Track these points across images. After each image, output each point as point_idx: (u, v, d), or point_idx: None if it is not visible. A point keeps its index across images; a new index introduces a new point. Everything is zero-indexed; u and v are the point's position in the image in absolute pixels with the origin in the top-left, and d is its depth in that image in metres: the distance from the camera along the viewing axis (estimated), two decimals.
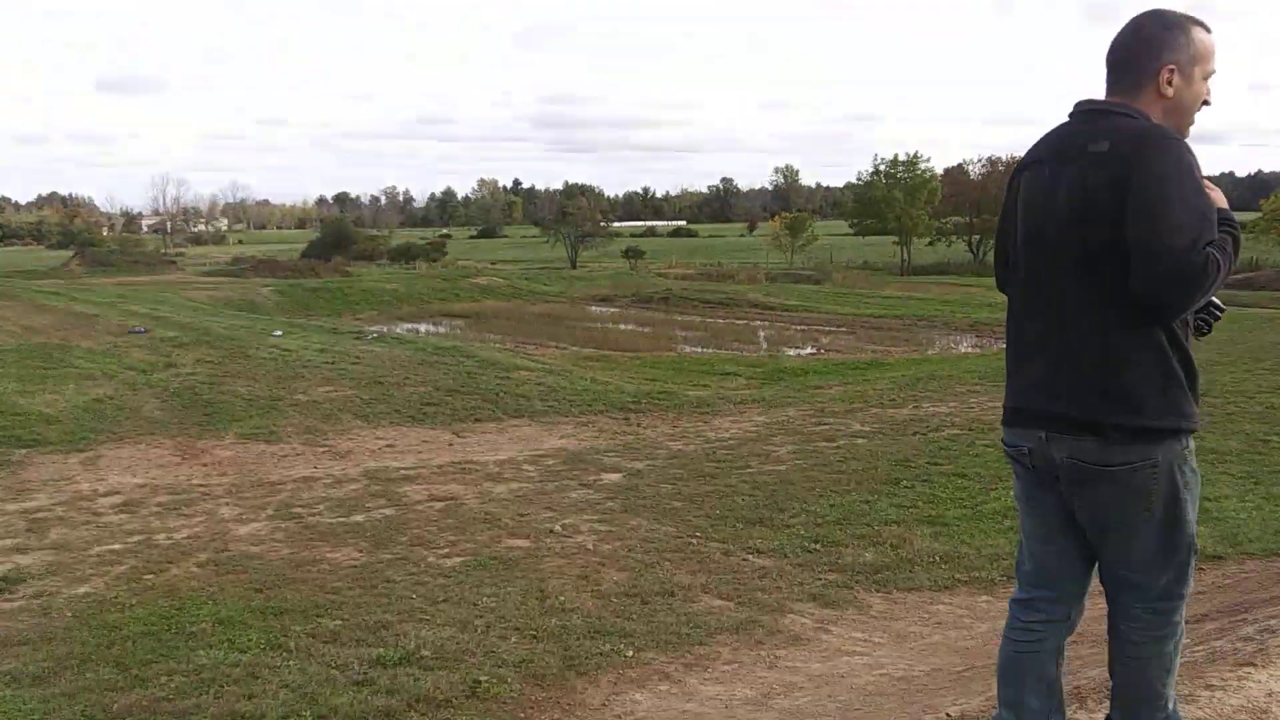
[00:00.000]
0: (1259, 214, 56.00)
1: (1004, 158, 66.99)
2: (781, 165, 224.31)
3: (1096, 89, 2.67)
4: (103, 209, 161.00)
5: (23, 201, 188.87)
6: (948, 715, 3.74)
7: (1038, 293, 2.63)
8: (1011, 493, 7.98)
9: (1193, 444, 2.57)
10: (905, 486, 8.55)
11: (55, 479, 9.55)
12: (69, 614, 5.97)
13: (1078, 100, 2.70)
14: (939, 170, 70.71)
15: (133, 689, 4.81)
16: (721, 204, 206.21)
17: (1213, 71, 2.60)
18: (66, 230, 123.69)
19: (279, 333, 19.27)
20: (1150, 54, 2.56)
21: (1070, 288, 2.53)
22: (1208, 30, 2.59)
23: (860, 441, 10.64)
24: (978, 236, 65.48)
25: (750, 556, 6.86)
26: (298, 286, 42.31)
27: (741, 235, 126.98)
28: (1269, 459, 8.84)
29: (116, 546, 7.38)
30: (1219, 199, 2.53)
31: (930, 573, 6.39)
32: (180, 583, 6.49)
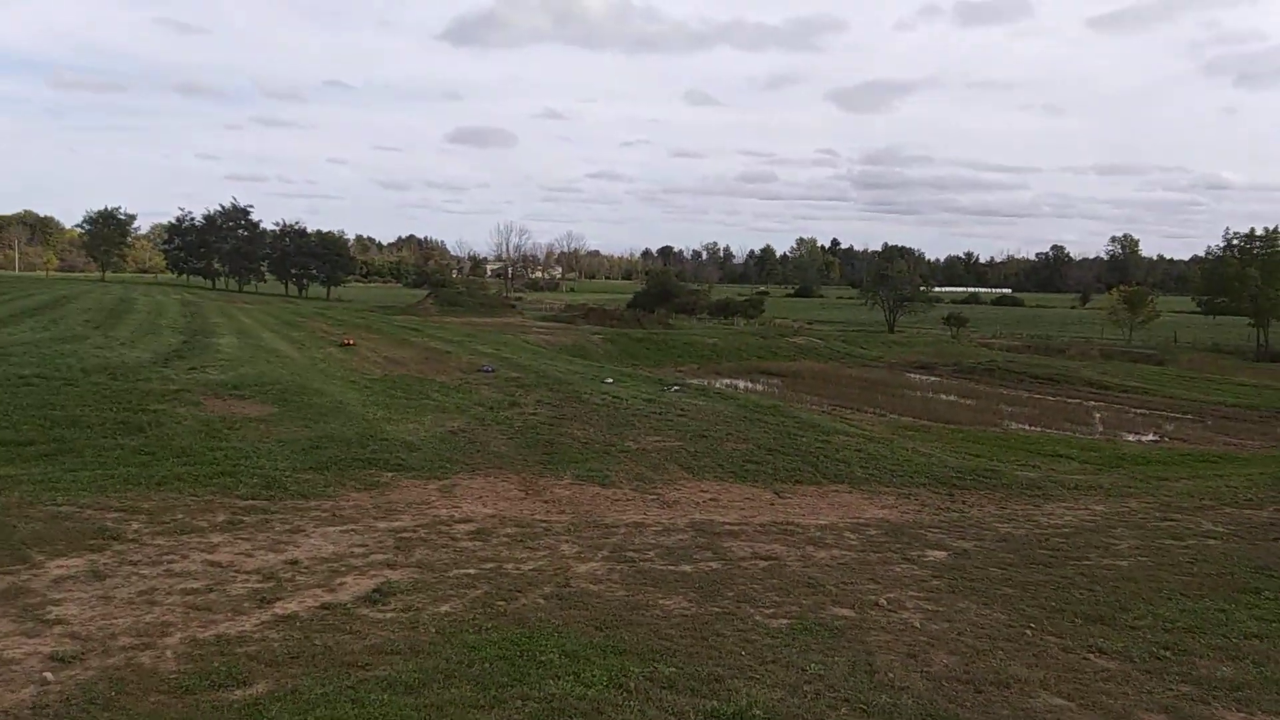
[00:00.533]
0: None
1: None
2: (1119, 234, 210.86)
3: None
4: (453, 252, 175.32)
5: (385, 242, 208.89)
6: None
7: None
8: None
9: None
10: (1267, 597, 7.85)
11: (417, 502, 10.52)
12: (433, 630, 6.57)
13: None
14: None
15: (491, 709, 5.24)
16: (1050, 273, 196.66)
17: None
18: (421, 270, 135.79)
19: (610, 380, 20.27)
20: None
21: None
22: None
23: (1213, 543, 9.86)
24: None
25: (1092, 656, 6.53)
26: (624, 336, 44.22)
27: (1073, 307, 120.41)
28: None
29: (472, 571, 8.03)
30: None
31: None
32: (529, 612, 6.99)
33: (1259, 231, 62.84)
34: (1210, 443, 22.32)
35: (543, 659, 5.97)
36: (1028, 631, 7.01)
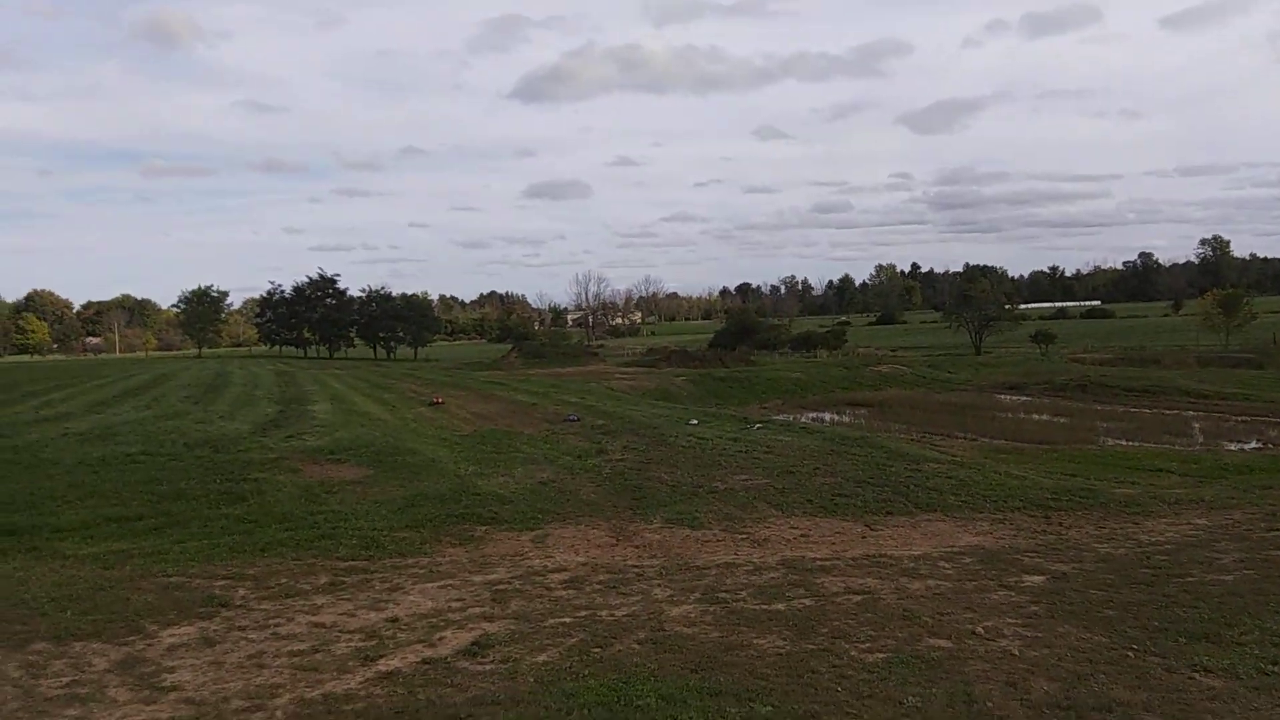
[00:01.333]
0: None
1: None
2: (1208, 236, 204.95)
3: None
4: (533, 305, 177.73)
5: (467, 300, 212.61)
6: None
7: None
8: None
9: None
10: None
11: (511, 554, 10.70)
12: (532, 679, 6.69)
13: None
14: None
15: None
16: (1140, 281, 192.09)
17: None
18: (504, 325, 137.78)
19: (695, 422, 20.34)
20: None
21: None
22: None
23: None
24: None
25: (1197, 675, 6.40)
26: (707, 376, 44.30)
27: (1165, 315, 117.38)
28: None
29: (567, 619, 8.16)
30: None
31: None
32: (624, 658, 7.08)
33: None
34: None
35: (639, 703, 6.05)
36: (1130, 653, 6.90)
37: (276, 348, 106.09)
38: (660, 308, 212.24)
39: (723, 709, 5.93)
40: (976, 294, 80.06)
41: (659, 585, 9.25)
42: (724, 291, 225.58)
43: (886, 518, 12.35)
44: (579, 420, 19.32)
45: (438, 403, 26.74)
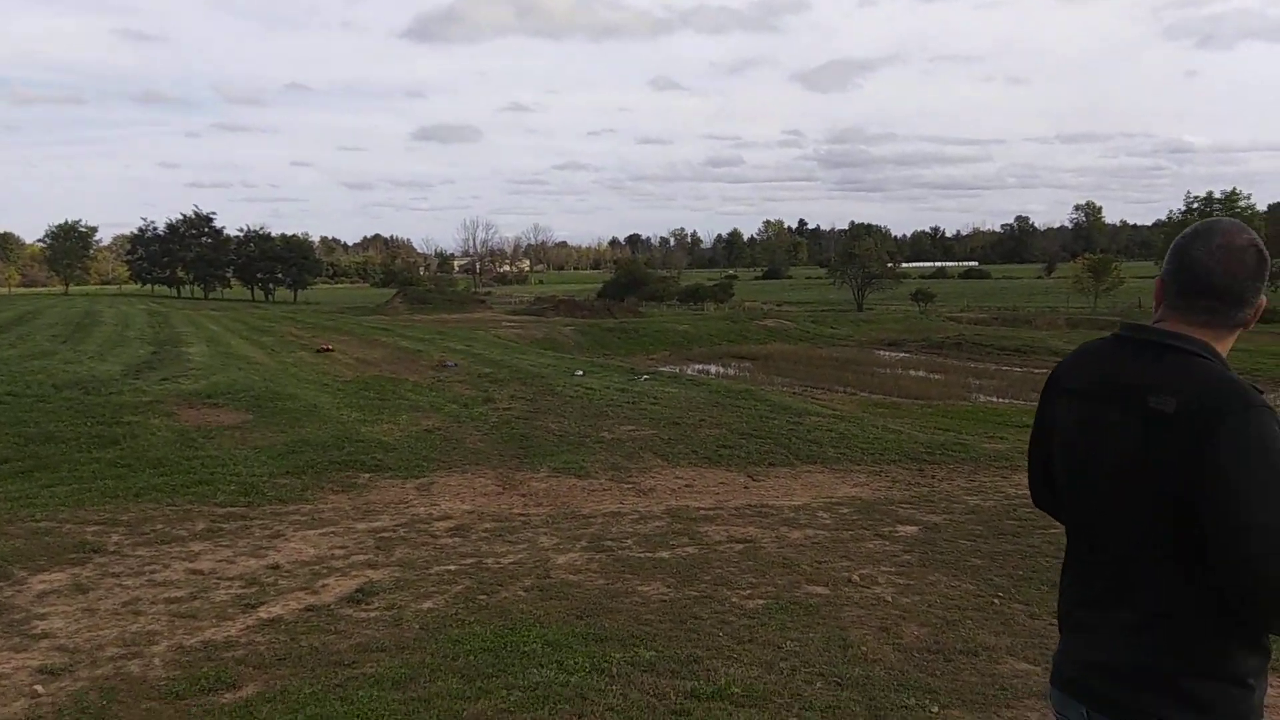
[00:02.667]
0: None
1: None
2: (1082, 202, 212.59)
3: None
4: (419, 250, 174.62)
5: (350, 243, 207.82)
6: None
7: (1090, 546, 2.31)
8: None
9: None
10: None
11: (395, 502, 10.62)
12: (417, 626, 6.70)
13: (1126, 321, 2.37)
14: (1261, 208, 65.35)
15: (478, 699, 5.38)
16: (1016, 244, 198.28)
17: None
18: (389, 270, 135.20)
19: (580, 372, 20.34)
20: (1253, 288, 2.23)
21: (1123, 557, 2.22)
22: None
23: None
24: None
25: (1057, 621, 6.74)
26: (595, 326, 44.37)
27: (1039, 277, 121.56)
28: None
29: (452, 567, 8.16)
30: None
31: None
32: (510, 605, 7.13)
33: (1216, 195, 63.92)
34: None
35: (526, 649, 6.11)
36: (995, 600, 7.23)
37: (148, 287, 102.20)
38: (549, 257, 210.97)
39: (607, 654, 6.03)
40: (861, 252, 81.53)
41: (545, 534, 9.31)
42: (614, 242, 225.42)
43: (769, 469, 12.61)
44: (456, 367, 18.93)
45: (325, 349, 25.90)
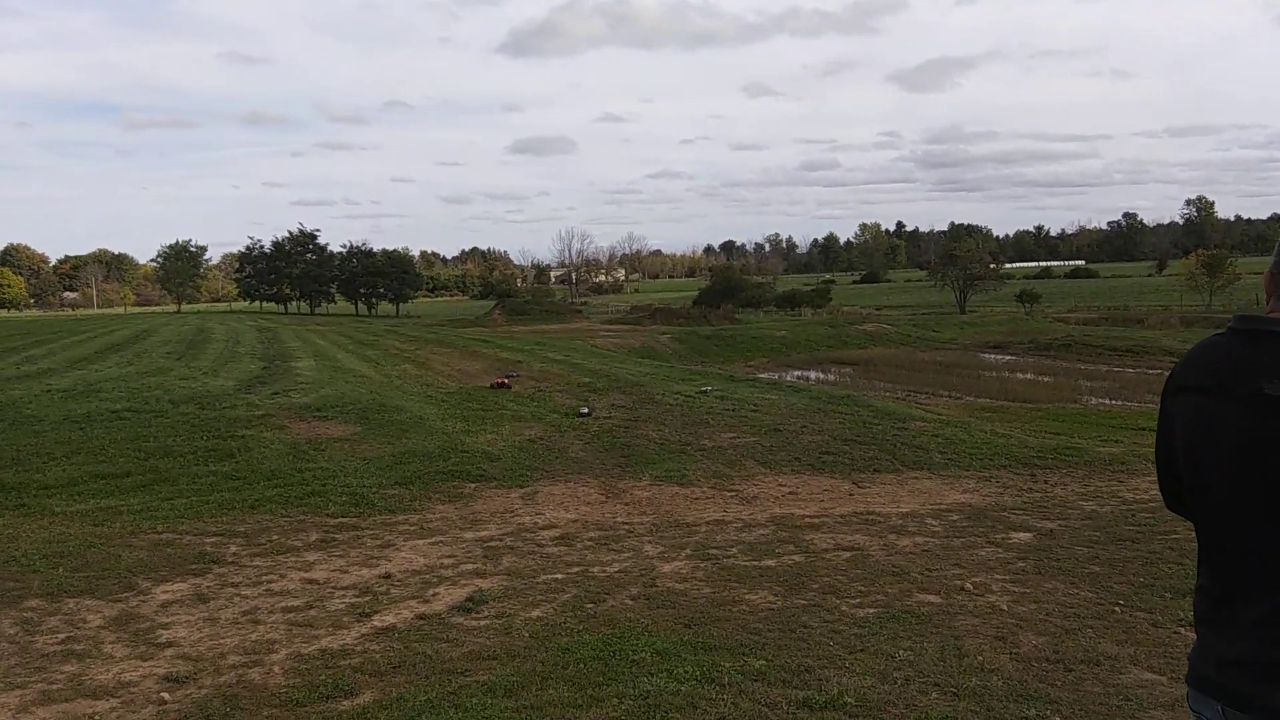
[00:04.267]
0: None
1: None
2: (1193, 197, 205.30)
3: None
4: (516, 262, 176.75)
5: (449, 256, 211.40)
6: None
7: (1219, 546, 2.28)
8: None
9: None
10: None
11: (501, 511, 10.74)
12: (527, 634, 6.74)
13: (1239, 314, 2.31)
14: None
15: (589, 708, 5.39)
16: (1124, 241, 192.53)
17: None
18: (486, 282, 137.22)
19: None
20: None
21: (1247, 550, 2.17)
22: None
23: None
24: None
25: (1183, 629, 6.48)
26: (692, 333, 44.34)
27: (1149, 275, 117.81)
28: None
29: (559, 576, 8.21)
30: None
31: None
32: (618, 613, 7.14)
33: None
34: None
35: (635, 658, 6.10)
36: (1116, 608, 6.99)
37: (256, 304, 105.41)
38: (644, 265, 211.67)
39: (716, 663, 5.99)
40: (961, 253, 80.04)
41: (650, 542, 9.31)
42: (708, 249, 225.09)
43: (874, 475, 12.43)
44: (592, 414, 16.76)
45: (503, 384, 21.50)
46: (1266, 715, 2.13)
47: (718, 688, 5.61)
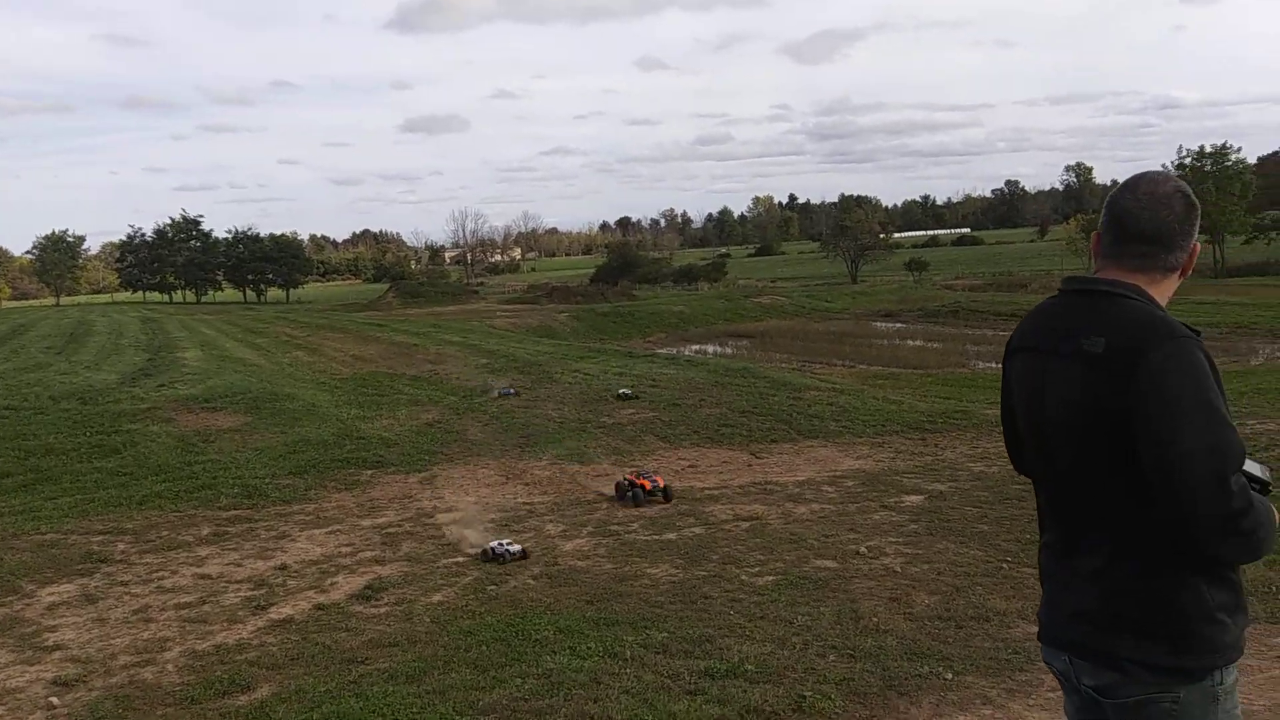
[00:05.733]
0: None
1: None
2: (1073, 163, 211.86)
3: None
4: (409, 243, 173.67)
5: (340, 240, 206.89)
6: None
7: (1051, 499, 2.37)
8: None
9: (1233, 679, 2.23)
10: None
11: (400, 497, 10.61)
12: (428, 620, 6.70)
13: (1067, 275, 2.43)
14: (1251, 160, 65.23)
15: (493, 689, 5.38)
16: (1007, 209, 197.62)
17: None
18: (380, 265, 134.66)
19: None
20: (1187, 232, 2.30)
21: (1082, 503, 2.26)
22: None
23: None
24: None
25: None
26: (590, 311, 44.32)
27: (1031, 240, 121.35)
28: None
29: (460, 559, 8.16)
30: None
31: (1267, 604, 6.09)
32: (519, 594, 7.13)
33: (1208, 148, 63.71)
34: None
35: (537, 637, 6.11)
36: (1004, 565, 7.23)
37: (140, 294, 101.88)
38: (540, 244, 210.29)
39: (619, 638, 6.03)
40: (852, 224, 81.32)
41: (551, 521, 9.31)
42: (604, 226, 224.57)
43: (771, 445, 12.61)
44: (515, 394, 16.37)
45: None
46: (1108, 663, 2.23)
47: (620, 662, 5.65)
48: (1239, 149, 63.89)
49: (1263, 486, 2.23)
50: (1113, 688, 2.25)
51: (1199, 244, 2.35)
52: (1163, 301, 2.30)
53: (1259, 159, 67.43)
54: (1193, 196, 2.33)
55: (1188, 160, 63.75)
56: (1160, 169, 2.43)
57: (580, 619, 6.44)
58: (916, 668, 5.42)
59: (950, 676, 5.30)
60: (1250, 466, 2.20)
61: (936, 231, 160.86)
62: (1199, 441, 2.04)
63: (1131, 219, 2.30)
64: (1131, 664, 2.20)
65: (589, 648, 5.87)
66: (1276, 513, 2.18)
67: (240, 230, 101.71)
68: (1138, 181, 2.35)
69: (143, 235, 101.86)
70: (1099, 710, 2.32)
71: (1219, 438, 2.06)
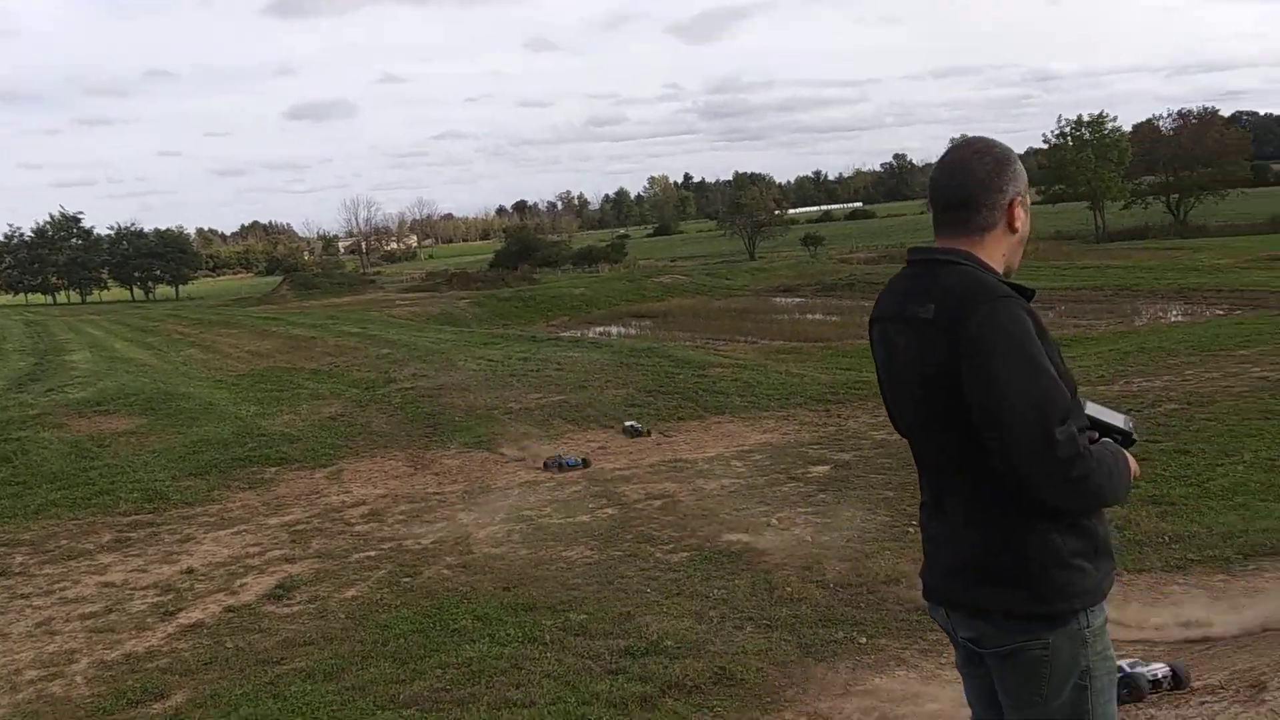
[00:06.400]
0: None
1: (1194, 109, 64.13)
2: (957, 135, 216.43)
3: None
4: (301, 234, 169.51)
5: (228, 233, 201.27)
6: None
7: (923, 462, 2.47)
8: (1241, 465, 7.84)
9: (1101, 620, 2.31)
10: None
11: (306, 493, 10.45)
12: (343, 616, 6.63)
13: (912, 246, 2.53)
14: (1127, 129, 67.57)
15: (413, 681, 5.37)
16: (897, 182, 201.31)
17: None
18: (272, 257, 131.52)
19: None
20: (997, 188, 2.35)
21: (941, 460, 2.37)
22: None
23: None
24: (1176, 196, 62.35)
25: None
26: (491, 297, 44.02)
27: (921, 212, 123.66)
28: None
29: (372, 553, 8.08)
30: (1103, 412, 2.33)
31: (1160, 553, 6.38)
32: (435, 584, 7.11)
33: (1085, 117, 65.73)
34: (1063, 327, 23.54)
35: (455, 627, 6.11)
36: (910, 529, 7.43)
37: (21, 296, 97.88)
38: (436, 230, 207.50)
39: (538, 622, 6.06)
40: (747, 201, 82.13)
41: (462, 510, 9.28)
42: (501, 210, 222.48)
43: (679, 424, 12.73)
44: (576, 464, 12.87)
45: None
46: (978, 615, 2.34)
47: (540, 646, 5.69)
48: (1115, 118, 66.08)
49: (1125, 437, 2.34)
50: (985, 638, 2.34)
51: (1021, 199, 2.38)
52: (998, 262, 2.36)
53: (1134, 126, 69.50)
54: (998, 155, 2.38)
55: (1067, 130, 65.68)
56: (973, 137, 2.46)
57: (498, 606, 6.45)
58: (831, 634, 5.57)
59: (864, 640, 5.46)
60: (1111, 417, 2.32)
61: (830, 206, 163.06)
62: (1021, 396, 2.13)
63: (936, 189, 2.41)
64: (997, 614, 2.28)
65: (508, 634, 5.89)
66: (1132, 460, 2.29)
67: (123, 226, 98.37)
68: (945, 152, 2.45)
69: (21, 235, 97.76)
70: (980, 661, 2.42)
71: (1041, 391, 2.14)
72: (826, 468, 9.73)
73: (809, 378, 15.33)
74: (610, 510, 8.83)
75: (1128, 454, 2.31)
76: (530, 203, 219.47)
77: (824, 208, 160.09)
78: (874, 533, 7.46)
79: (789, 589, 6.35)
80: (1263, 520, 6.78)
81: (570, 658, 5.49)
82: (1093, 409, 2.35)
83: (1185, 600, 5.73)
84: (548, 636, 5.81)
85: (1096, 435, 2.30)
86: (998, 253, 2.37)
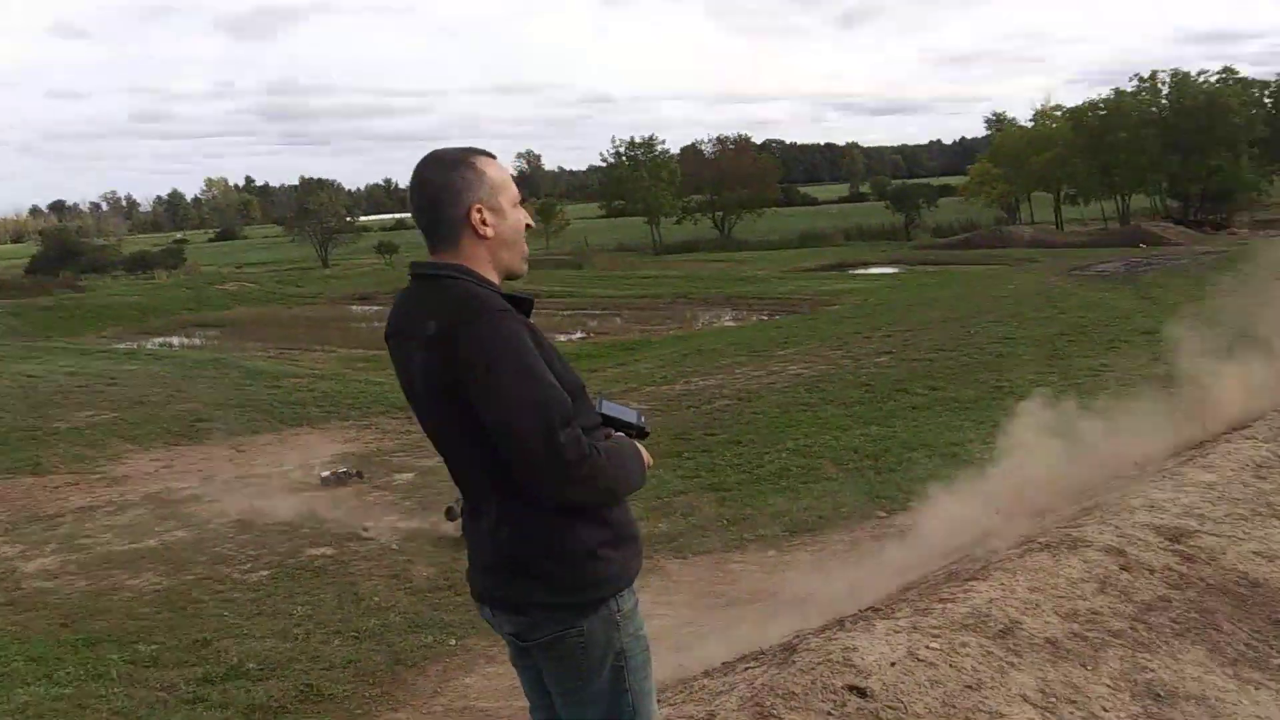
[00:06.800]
0: (967, 178, 61.73)
1: (732, 136, 71.40)
2: (523, 150, 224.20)
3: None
4: None
5: None
6: None
7: (452, 469, 2.49)
8: (785, 452, 8.80)
9: (632, 603, 2.43)
10: (686, 458, 9.24)
11: None
12: None
13: (413, 261, 2.54)
14: (675, 151, 73.52)
15: None
16: None
17: (519, 197, 2.48)
18: None
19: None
20: (451, 201, 2.38)
21: (469, 468, 2.43)
22: (493, 157, 2.50)
23: None
24: (719, 213, 68.79)
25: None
26: (30, 306, 39.36)
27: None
28: (1003, 403, 9.79)
29: None
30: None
31: (721, 536, 7.06)
32: None
33: (638, 139, 70.64)
34: (629, 332, 25.02)
35: (6, 670, 5.52)
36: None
37: None
38: None
39: (103, 657, 5.63)
40: (316, 207, 79.50)
41: (5, 542, 8.33)
42: (35, 211, 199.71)
43: (254, 438, 12.19)
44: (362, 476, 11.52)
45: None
46: (515, 609, 2.44)
47: (107, 683, 5.29)
48: (664, 140, 71.63)
49: (639, 430, 2.52)
50: (525, 631, 2.43)
51: (483, 204, 2.38)
52: (489, 270, 2.42)
53: (681, 149, 75.53)
54: (449, 162, 2.42)
55: (622, 150, 70.16)
56: (433, 152, 2.48)
57: (55, 644, 5.90)
58: (421, 639, 5.64)
59: (454, 643, 5.59)
60: (624, 413, 2.50)
61: (404, 215, 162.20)
62: (522, 406, 2.21)
63: (412, 208, 2.48)
64: (532, 606, 2.38)
65: (68, 673, 5.41)
66: (644, 451, 2.47)
67: None
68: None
69: None
70: (527, 654, 2.51)
71: (541, 399, 2.23)
72: (411, 474, 9.76)
73: (390, 385, 15.21)
74: (180, 533, 8.31)
75: (640, 446, 2.48)
76: (70, 203, 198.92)
77: (398, 215, 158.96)
78: (451, 538, 7.57)
79: (377, 599, 6.35)
80: (804, 500, 7.72)
81: (142, 691, 5.16)
82: (607, 407, 2.50)
83: (743, 576, 6.41)
84: (114, 672, 5.41)
85: (612, 431, 2.45)
86: (483, 261, 2.41)
